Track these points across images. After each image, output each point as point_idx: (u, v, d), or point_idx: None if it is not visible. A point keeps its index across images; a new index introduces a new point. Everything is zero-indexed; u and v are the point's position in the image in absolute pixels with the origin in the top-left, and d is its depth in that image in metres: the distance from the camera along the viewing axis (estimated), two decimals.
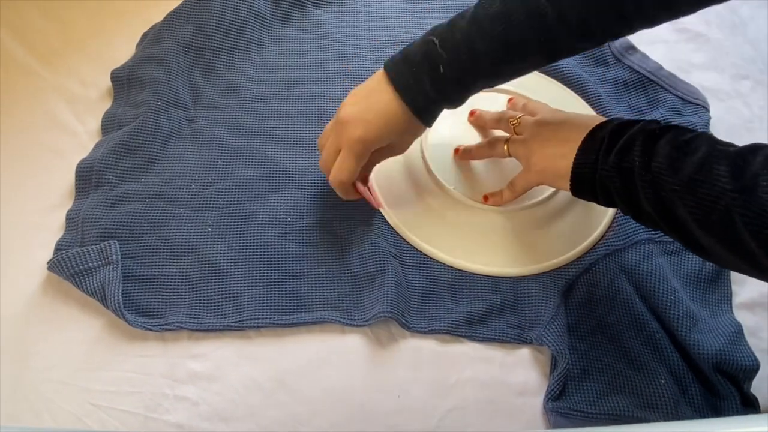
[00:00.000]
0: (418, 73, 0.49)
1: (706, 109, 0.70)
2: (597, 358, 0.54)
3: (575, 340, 0.54)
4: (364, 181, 0.58)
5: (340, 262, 0.58)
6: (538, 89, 0.70)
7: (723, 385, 0.51)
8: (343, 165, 0.52)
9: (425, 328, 0.54)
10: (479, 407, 0.51)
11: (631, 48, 0.75)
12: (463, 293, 0.57)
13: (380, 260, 0.56)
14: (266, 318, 0.54)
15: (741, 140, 0.68)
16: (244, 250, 0.58)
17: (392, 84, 0.50)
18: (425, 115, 0.52)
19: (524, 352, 0.54)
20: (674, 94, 0.71)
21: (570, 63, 0.74)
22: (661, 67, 0.73)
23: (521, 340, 0.54)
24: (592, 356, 0.54)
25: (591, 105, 0.70)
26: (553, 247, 0.59)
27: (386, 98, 0.50)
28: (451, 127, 0.66)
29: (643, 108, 0.71)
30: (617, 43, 0.75)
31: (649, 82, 0.72)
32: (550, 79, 0.72)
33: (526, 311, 0.55)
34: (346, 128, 0.51)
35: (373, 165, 0.58)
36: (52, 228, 0.60)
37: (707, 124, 0.69)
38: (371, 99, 0.51)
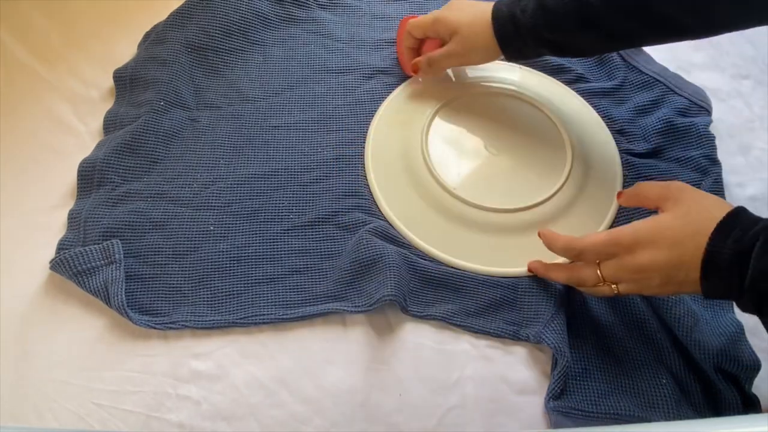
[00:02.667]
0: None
1: (709, 112, 0.70)
2: (598, 357, 0.54)
3: (576, 340, 0.54)
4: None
5: (341, 256, 0.58)
6: (540, 90, 0.70)
7: (724, 384, 0.51)
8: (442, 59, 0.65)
9: (422, 312, 0.54)
10: (480, 406, 0.51)
11: (637, 48, 0.75)
12: (464, 290, 0.57)
13: (380, 247, 0.56)
14: (270, 314, 0.54)
15: (741, 140, 0.69)
16: (246, 248, 0.58)
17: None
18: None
19: (525, 351, 0.54)
20: (680, 95, 0.71)
21: (574, 63, 0.74)
22: (666, 69, 0.73)
23: (516, 337, 0.54)
24: (593, 355, 0.54)
25: (593, 106, 0.70)
26: None
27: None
28: (452, 128, 0.66)
29: (647, 108, 0.70)
30: None
31: (655, 82, 0.72)
32: (554, 81, 0.73)
33: (525, 309, 0.55)
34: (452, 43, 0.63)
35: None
36: (54, 228, 0.60)
37: (708, 125, 0.69)
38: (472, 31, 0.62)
